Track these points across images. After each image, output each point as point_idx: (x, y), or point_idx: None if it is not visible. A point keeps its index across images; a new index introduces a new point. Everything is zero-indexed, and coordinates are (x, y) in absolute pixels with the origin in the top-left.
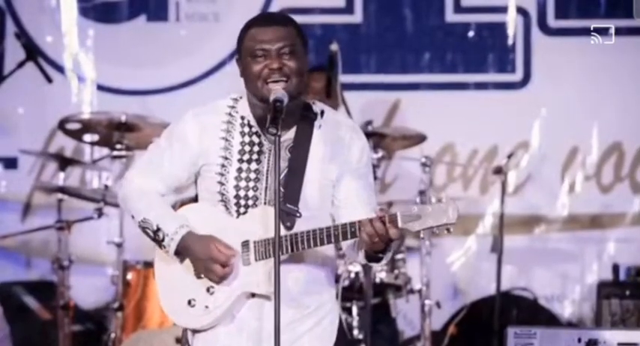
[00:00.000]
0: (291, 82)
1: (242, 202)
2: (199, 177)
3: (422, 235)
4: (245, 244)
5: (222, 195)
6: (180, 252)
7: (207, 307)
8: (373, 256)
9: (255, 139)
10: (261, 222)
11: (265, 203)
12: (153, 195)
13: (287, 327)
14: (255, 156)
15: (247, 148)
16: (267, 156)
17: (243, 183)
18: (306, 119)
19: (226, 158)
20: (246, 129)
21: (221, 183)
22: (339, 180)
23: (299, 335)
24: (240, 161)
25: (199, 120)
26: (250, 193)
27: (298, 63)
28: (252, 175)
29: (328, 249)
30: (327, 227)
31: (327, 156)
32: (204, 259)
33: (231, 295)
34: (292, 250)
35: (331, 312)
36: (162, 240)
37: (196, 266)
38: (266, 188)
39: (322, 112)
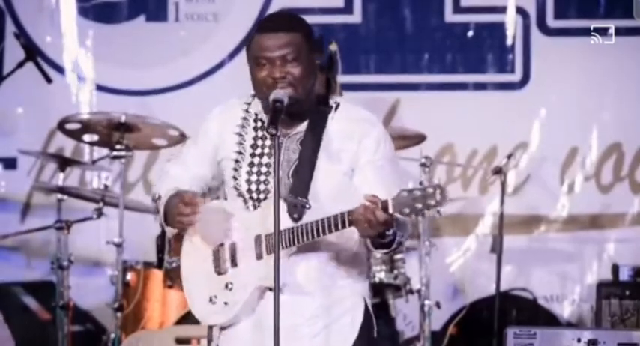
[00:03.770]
0: (296, 89)
1: (254, 196)
2: (222, 174)
3: (413, 217)
4: (257, 238)
5: (237, 189)
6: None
7: (226, 303)
8: (377, 242)
9: (267, 134)
10: (271, 216)
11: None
12: (172, 177)
13: (307, 322)
14: (266, 151)
15: (260, 143)
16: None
17: (254, 177)
18: (320, 112)
19: (240, 153)
20: (259, 124)
21: (234, 178)
22: (355, 173)
23: (318, 330)
24: (253, 155)
25: (221, 116)
26: (262, 187)
27: (303, 68)
28: (264, 169)
29: (350, 243)
30: (328, 217)
31: (339, 149)
32: (174, 206)
33: (246, 290)
34: (296, 242)
35: (353, 310)
36: (159, 207)
37: (171, 219)
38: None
39: (337, 105)
